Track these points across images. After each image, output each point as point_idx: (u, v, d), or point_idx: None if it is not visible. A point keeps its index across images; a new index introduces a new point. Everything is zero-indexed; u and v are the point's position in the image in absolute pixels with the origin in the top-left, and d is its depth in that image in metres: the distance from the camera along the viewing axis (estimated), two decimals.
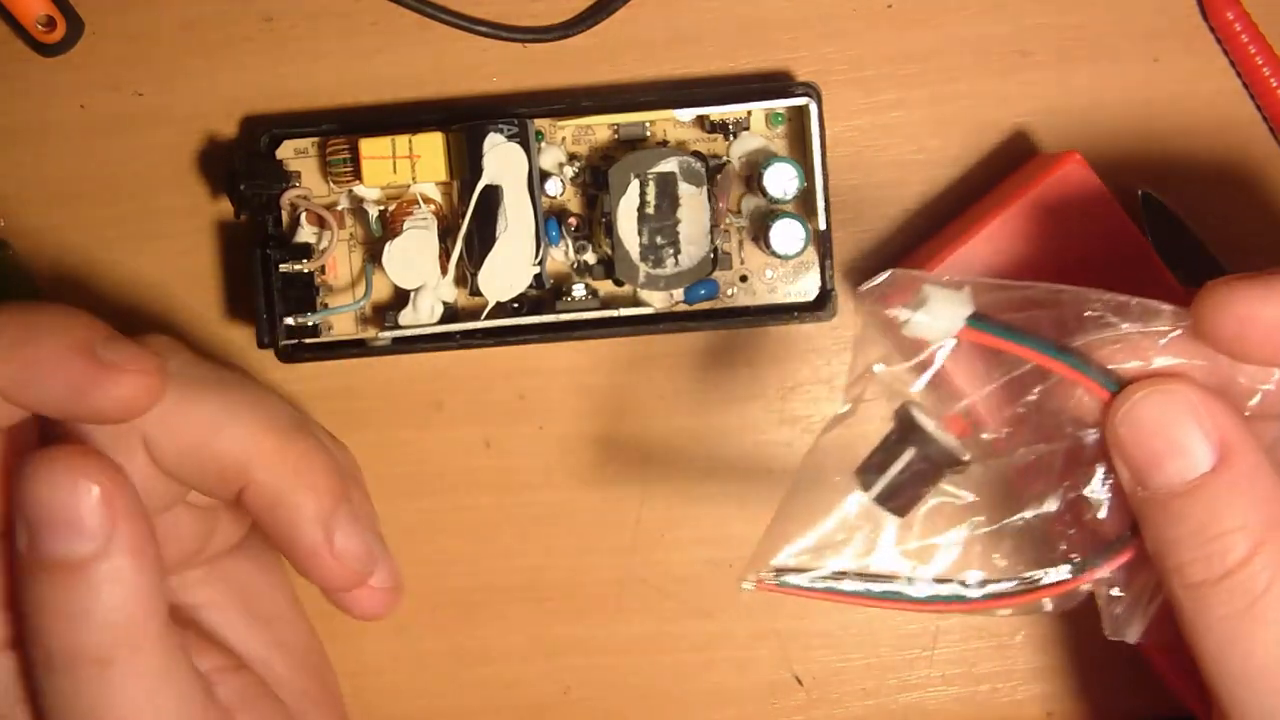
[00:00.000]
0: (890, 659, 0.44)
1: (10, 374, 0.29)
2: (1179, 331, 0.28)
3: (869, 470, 0.29)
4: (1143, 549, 0.29)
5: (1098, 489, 0.29)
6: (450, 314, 0.41)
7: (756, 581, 0.29)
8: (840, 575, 0.29)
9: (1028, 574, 0.29)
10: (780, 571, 0.29)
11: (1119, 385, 0.28)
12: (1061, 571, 0.29)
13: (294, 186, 0.41)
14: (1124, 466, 0.28)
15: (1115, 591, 0.29)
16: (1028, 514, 0.29)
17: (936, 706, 0.44)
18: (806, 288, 0.41)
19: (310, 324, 0.41)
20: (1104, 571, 0.29)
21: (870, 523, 0.29)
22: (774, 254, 0.40)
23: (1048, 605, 0.29)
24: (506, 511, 0.44)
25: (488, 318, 0.40)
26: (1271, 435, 0.29)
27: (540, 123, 0.40)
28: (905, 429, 0.28)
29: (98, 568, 0.28)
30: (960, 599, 0.29)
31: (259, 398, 0.33)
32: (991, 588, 0.29)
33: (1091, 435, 0.29)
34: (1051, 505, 0.29)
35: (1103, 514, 0.29)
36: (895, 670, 0.44)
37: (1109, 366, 0.28)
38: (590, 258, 0.41)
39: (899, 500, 0.29)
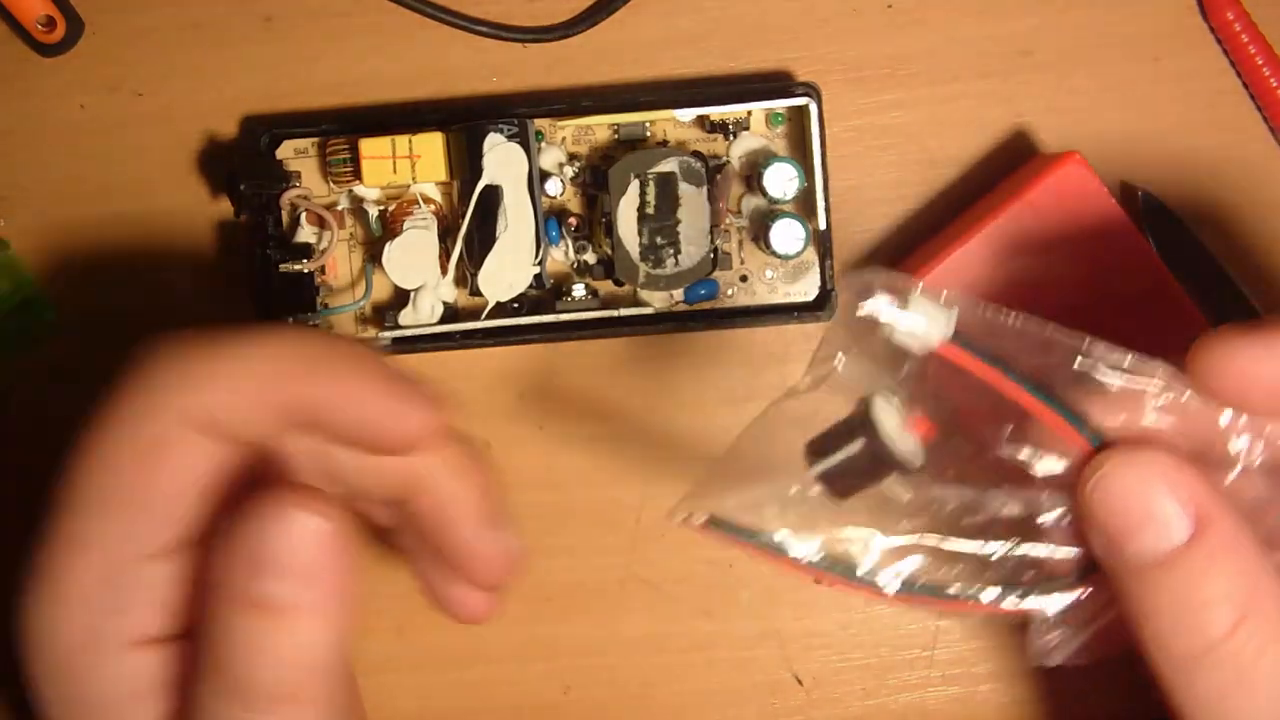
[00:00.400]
0: (890, 659, 0.44)
1: (325, 396, 0.29)
2: (1171, 394, 0.27)
3: (817, 449, 0.28)
4: (1094, 595, 0.28)
5: (1052, 525, 0.28)
6: (450, 314, 0.41)
7: (685, 518, 0.29)
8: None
9: (967, 588, 0.28)
10: (715, 520, 0.29)
11: (1099, 439, 0.27)
12: (1002, 596, 0.28)
13: (294, 186, 0.41)
14: (1097, 534, 0.27)
15: (1050, 622, 0.28)
16: (977, 543, 0.28)
17: (936, 706, 0.44)
18: (806, 288, 0.41)
19: (310, 324, 0.41)
20: (1048, 608, 0.28)
21: (811, 498, 0.29)
22: (774, 254, 0.40)
23: (977, 616, 0.28)
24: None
25: (488, 318, 0.40)
26: (1252, 494, 0.28)
27: (540, 123, 0.40)
28: (860, 420, 0.28)
29: (306, 613, 0.28)
30: (886, 589, 0.28)
31: None
32: (924, 591, 0.28)
33: (1058, 471, 0.28)
34: (1003, 539, 0.28)
35: (1055, 552, 0.28)
36: (895, 670, 0.44)
37: (1091, 418, 0.27)
38: (590, 258, 0.41)
39: (839, 485, 0.28)
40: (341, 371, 0.29)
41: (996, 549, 0.28)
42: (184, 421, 0.28)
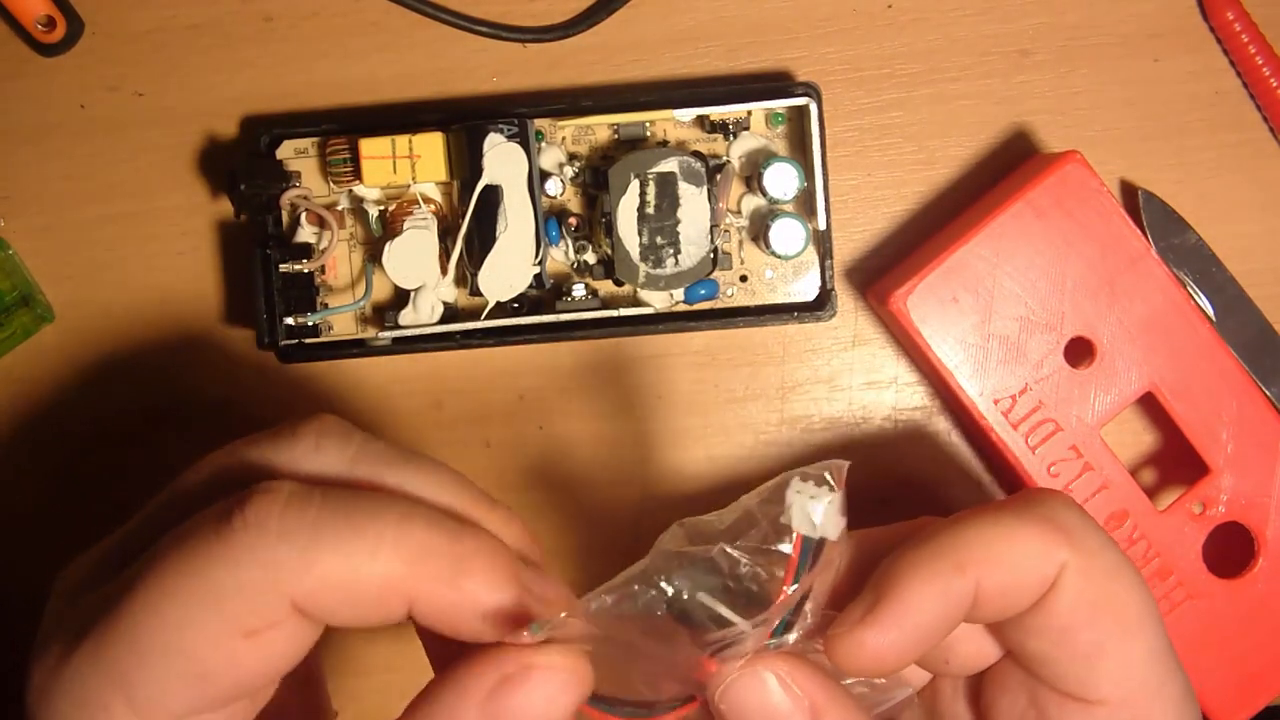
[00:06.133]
0: None
1: (440, 605, 0.27)
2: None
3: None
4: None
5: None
6: (450, 314, 0.41)
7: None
8: None
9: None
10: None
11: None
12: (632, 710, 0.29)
13: (294, 186, 0.41)
14: None
15: None
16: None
17: None
18: (806, 288, 0.41)
19: (310, 324, 0.41)
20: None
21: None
22: (774, 254, 0.40)
23: None
24: None
25: (488, 318, 0.40)
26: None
27: (540, 123, 0.40)
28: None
29: None
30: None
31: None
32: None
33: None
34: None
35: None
36: None
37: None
38: (590, 258, 0.41)
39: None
40: (470, 575, 0.27)
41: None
42: (293, 608, 0.26)
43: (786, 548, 0.28)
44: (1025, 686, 0.30)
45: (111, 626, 0.26)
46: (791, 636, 0.28)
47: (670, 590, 0.28)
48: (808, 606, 0.28)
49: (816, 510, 0.27)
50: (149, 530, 0.28)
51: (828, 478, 0.27)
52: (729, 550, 0.28)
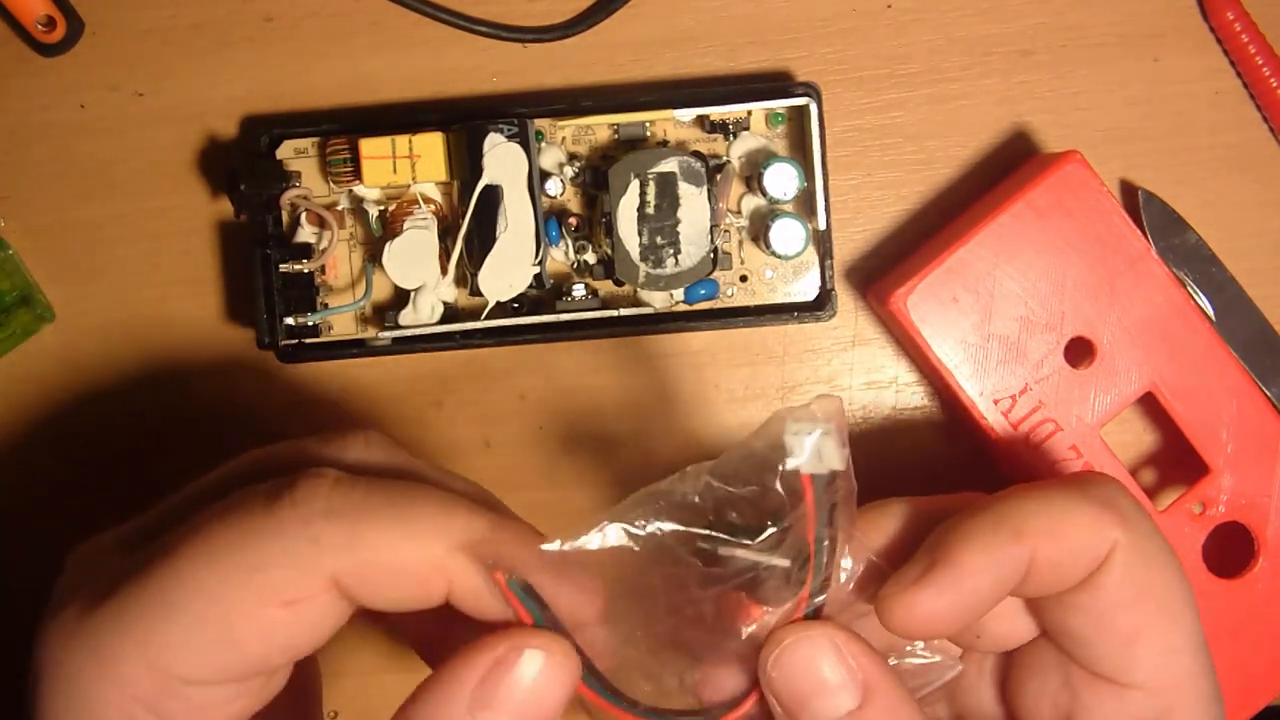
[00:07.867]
0: None
1: (475, 593, 0.27)
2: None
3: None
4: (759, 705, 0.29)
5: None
6: (450, 314, 0.41)
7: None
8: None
9: (663, 710, 0.29)
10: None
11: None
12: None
13: (294, 186, 0.41)
14: (776, 703, 0.29)
15: None
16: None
17: None
18: (806, 287, 0.41)
19: (310, 324, 0.41)
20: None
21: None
22: (774, 254, 0.40)
23: None
24: None
25: (488, 318, 0.40)
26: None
27: (540, 123, 0.40)
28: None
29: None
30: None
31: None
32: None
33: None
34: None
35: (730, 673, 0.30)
36: None
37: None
38: (590, 258, 0.41)
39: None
40: (509, 563, 0.27)
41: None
42: (332, 585, 0.27)
43: (778, 482, 0.27)
44: (1059, 667, 0.30)
45: (141, 586, 0.27)
46: (829, 590, 0.28)
47: (638, 528, 0.27)
48: (841, 549, 0.28)
49: (814, 445, 0.27)
50: (183, 509, 0.29)
51: (818, 412, 0.27)
52: (713, 483, 0.27)
